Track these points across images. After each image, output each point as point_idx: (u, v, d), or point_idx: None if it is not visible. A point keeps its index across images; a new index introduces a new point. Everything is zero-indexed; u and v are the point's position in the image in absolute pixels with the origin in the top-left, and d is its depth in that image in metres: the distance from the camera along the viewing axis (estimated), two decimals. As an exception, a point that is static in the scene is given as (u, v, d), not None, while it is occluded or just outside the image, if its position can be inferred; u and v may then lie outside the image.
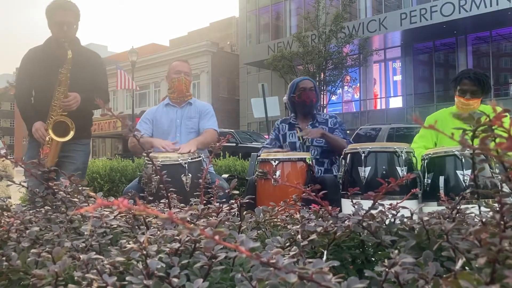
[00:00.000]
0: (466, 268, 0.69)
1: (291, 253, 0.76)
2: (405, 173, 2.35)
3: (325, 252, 0.84)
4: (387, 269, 0.63)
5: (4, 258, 0.85)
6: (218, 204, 1.10)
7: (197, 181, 2.44)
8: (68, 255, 0.83)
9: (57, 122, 2.72)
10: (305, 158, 2.68)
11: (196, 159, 2.65)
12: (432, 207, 1.97)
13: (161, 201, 1.30)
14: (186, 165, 2.54)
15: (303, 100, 3.13)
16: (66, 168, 2.73)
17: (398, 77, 24.66)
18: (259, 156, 2.84)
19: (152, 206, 1.25)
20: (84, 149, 3.00)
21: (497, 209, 0.66)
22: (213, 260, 0.71)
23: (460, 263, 0.65)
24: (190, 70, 3.31)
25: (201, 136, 3.08)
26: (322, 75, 20.95)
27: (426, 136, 2.94)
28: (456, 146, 2.23)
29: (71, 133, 2.72)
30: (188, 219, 0.89)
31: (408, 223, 0.91)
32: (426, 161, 2.37)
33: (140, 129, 2.95)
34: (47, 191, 1.24)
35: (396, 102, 24.67)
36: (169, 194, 1.23)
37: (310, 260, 0.57)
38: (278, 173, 2.60)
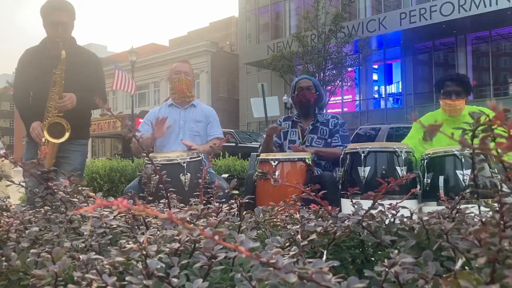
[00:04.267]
0: (466, 268, 0.69)
1: (291, 253, 0.76)
2: (404, 172, 2.35)
3: (325, 252, 0.84)
4: (387, 269, 0.63)
5: (3, 258, 0.84)
6: (217, 204, 1.10)
7: (196, 180, 2.46)
8: (68, 255, 0.83)
9: (52, 123, 2.69)
10: (304, 158, 2.68)
11: (195, 159, 2.65)
12: (431, 207, 1.97)
13: (160, 201, 1.30)
14: (184, 164, 2.54)
15: (300, 100, 3.16)
16: (63, 168, 2.70)
17: (397, 77, 24.66)
18: (258, 155, 2.84)
19: (151, 206, 1.25)
20: (81, 149, 2.97)
21: (497, 208, 0.66)
22: (213, 260, 0.71)
23: (460, 262, 0.65)
24: (191, 70, 3.30)
25: (206, 145, 3.08)
26: (321, 75, 20.95)
27: (415, 138, 2.91)
28: (455, 145, 2.23)
29: (67, 135, 2.70)
30: (188, 219, 0.89)
31: (408, 223, 0.91)
32: (425, 161, 2.37)
33: (142, 131, 2.96)
34: (47, 191, 1.24)
35: (396, 102, 24.67)
36: (168, 194, 1.23)
37: (310, 260, 0.57)
38: (277, 173, 2.60)
